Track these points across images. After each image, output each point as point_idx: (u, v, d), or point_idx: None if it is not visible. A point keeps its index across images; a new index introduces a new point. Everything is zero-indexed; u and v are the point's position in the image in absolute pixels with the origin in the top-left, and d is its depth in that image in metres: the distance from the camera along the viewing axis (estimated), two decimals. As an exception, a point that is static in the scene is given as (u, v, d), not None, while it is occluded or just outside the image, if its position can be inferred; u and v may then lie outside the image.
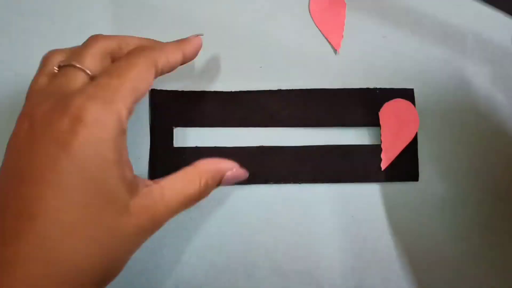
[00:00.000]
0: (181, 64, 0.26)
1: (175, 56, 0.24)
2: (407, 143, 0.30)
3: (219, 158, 0.26)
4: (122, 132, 0.20)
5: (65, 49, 0.24)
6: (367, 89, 0.31)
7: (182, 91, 0.30)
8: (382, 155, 0.30)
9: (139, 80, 0.21)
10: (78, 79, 0.21)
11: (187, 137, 0.30)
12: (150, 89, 0.26)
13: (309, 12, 0.33)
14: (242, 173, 0.26)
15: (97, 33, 0.32)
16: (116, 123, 0.20)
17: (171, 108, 0.30)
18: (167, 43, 0.26)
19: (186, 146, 0.30)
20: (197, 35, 0.27)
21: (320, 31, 0.32)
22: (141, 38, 0.26)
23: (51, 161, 0.18)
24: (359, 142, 0.31)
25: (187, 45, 0.26)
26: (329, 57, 0.32)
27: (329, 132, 0.31)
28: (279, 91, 0.31)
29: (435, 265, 0.30)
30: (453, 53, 0.32)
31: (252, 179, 0.28)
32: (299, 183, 0.30)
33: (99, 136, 0.19)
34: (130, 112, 0.21)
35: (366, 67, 0.32)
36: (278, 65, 0.32)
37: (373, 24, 0.33)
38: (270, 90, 0.31)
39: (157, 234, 0.29)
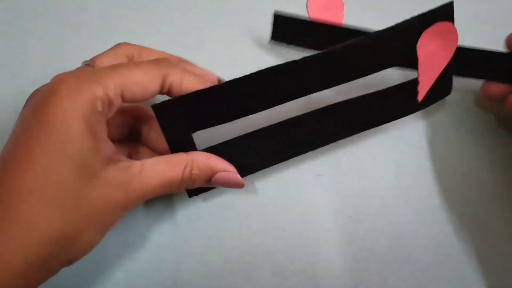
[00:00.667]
0: None
1: (191, 83, 0.24)
2: (445, 66, 0.28)
3: (217, 157, 0.25)
4: (94, 111, 0.21)
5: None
6: (402, 23, 0.27)
7: (189, 93, 0.25)
8: (419, 88, 0.28)
9: (133, 80, 0.22)
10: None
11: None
12: (151, 105, 0.25)
13: (307, 12, 0.32)
14: (235, 179, 0.26)
15: (93, 34, 0.32)
16: (87, 101, 0.21)
17: (182, 115, 0.26)
18: (194, 67, 0.26)
19: (210, 146, 0.26)
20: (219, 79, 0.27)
21: (319, 31, 0.32)
22: (166, 53, 0.26)
23: (24, 126, 0.21)
24: (392, 82, 0.29)
25: (207, 84, 0.25)
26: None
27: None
28: (304, 59, 0.25)
29: (434, 265, 0.30)
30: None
31: (291, 152, 0.28)
32: (337, 141, 0.28)
33: (68, 107, 0.20)
34: (110, 101, 0.22)
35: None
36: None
37: (371, 24, 0.32)
38: (293, 61, 0.25)
39: (156, 235, 0.29)
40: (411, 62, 0.28)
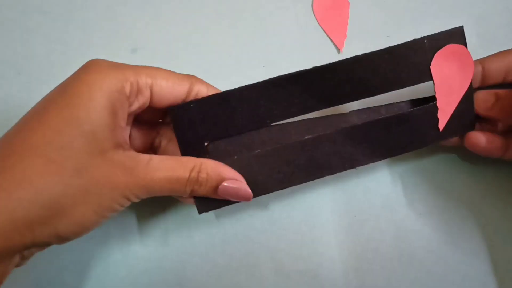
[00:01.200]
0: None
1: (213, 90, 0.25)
2: (464, 93, 0.27)
3: (227, 166, 0.25)
4: (121, 92, 0.21)
5: None
6: (413, 41, 0.26)
7: (203, 98, 0.25)
8: (439, 114, 0.27)
9: (163, 76, 0.23)
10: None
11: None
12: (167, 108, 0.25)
13: (313, 11, 0.32)
14: (244, 189, 0.25)
15: (98, 32, 0.32)
16: (116, 80, 0.21)
17: (196, 122, 0.26)
18: (208, 85, 0.26)
19: (224, 160, 0.26)
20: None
21: (324, 30, 0.32)
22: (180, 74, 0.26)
23: (48, 96, 0.22)
24: (411, 106, 0.28)
25: None
26: (332, 57, 0.32)
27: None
28: (315, 68, 0.26)
29: (438, 266, 0.30)
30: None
31: (306, 176, 0.27)
32: (356, 167, 0.27)
33: (96, 81, 0.21)
34: (139, 89, 0.22)
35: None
36: (281, 65, 0.32)
37: (377, 24, 0.32)
38: (303, 70, 0.26)
39: (160, 233, 0.29)
40: (426, 81, 0.27)
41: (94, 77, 0.21)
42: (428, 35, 0.26)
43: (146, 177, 0.22)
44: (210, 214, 0.30)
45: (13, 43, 0.31)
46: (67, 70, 0.31)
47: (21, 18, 0.32)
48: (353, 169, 0.28)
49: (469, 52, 0.27)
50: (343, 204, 0.30)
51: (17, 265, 0.22)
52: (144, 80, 0.22)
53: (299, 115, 0.27)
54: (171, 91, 0.23)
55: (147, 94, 0.23)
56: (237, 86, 0.26)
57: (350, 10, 0.32)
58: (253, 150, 0.26)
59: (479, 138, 0.28)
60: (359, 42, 0.32)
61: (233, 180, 0.25)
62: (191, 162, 0.24)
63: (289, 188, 0.30)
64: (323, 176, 0.27)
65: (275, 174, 0.26)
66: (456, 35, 0.27)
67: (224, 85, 0.31)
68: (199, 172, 0.24)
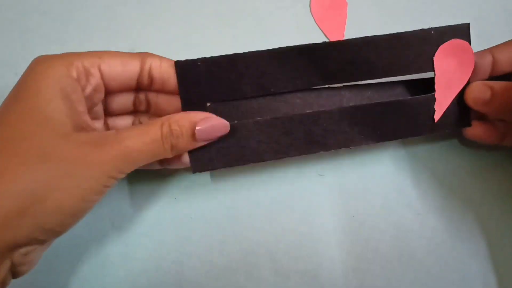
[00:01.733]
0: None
1: (171, 66, 0.25)
2: (461, 88, 0.28)
3: (194, 111, 0.25)
4: (68, 76, 0.22)
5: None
6: (421, 30, 0.27)
7: (211, 57, 0.26)
8: (436, 106, 0.28)
9: (111, 55, 0.23)
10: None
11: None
12: (174, 61, 0.25)
13: (310, 11, 0.32)
14: (218, 123, 0.25)
15: (97, 33, 0.32)
16: (61, 66, 0.22)
17: (202, 80, 0.26)
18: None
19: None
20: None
21: (322, 30, 0.32)
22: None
23: (9, 97, 0.22)
24: (409, 94, 0.29)
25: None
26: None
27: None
28: (325, 43, 0.27)
29: (437, 266, 0.29)
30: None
31: (303, 149, 0.27)
32: (351, 147, 0.28)
33: (41, 71, 0.22)
34: (87, 70, 0.23)
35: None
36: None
37: (375, 24, 0.32)
38: (313, 44, 0.26)
39: (158, 234, 0.29)
40: (427, 71, 0.28)
41: (40, 68, 0.22)
42: (435, 27, 0.27)
43: (120, 147, 0.22)
44: (208, 215, 0.30)
45: (12, 44, 0.31)
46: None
47: (20, 18, 0.32)
48: (353, 170, 0.29)
49: (471, 49, 0.27)
50: (342, 204, 0.30)
51: (15, 273, 0.22)
52: (90, 61, 0.23)
53: (302, 88, 0.27)
54: (121, 69, 0.24)
55: (97, 74, 0.23)
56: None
57: (348, 10, 0.33)
58: (253, 117, 0.27)
59: (476, 128, 0.28)
60: (358, 42, 0.32)
61: (205, 119, 0.24)
62: (158, 120, 0.23)
63: (288, 189, 0.30)
64: (318, 151, 0.27)
65: (272, 143, 0.27)
66: (462, 31, 0.28)
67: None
68: (170, 126, 0.23)
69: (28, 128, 0.21)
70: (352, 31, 0.32)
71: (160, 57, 0.25)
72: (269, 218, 0.30)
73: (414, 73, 0.28)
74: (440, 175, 0.31)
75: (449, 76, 0.28)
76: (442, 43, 0.28)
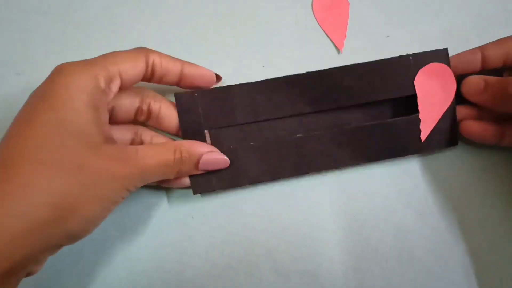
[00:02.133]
0: (177, 83, 0.28)
1: (169, 62, 0.26)
2: (446, 108, 0.29)
3: (200, 142, 0.28)
4: (97, 87, 0.22)
5: None
6: (399, 57, 0.29)
7: (208, 90, 0.29)
8: (421, 126, 0.29)
9: (123, 59, 0.24)
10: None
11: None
12: (174, 93, 0.28)
13: (312, 11, 0.32)
14: (220, 158, 0.28)
15: (97, 32, 0.32)
16: (91, 77, 0.22)
17: (199, 110, 0.28)
18: (197, 67, 0.28)
19: (220, 149, 0.28)
20: (213, 75, 0.29)
21: (323, 30, 0.32)
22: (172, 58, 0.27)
23: (28, 105, 0.22)
24: (395, 115, 0.30)
25: (192, 66, 0.28)
26: (332, 57, 0.32)
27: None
28: (308, 73, 0.29)
29: (437, 266, 0.30)
30: (457, 52, 0.32)
31: (294, 171, 0.29)
32: (341, 168, 0.30)
33: (72, 81, 0.21)
34: (111, 79, 0.23)
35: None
36: (280, 65, 0.31)
37: (377, 24, 0.32)
38: (298, 74, 0.29)
39: (159, 234, 0.29)
40: (409, 94, 0.29)
41: (70, 78, 0.22)
42: (413, 53, 0.29)
43: (139, 164, 0.23)
44: (209, 215, 0.30)
45: (12, 44, 0.31)
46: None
47: (20, 19, 0.31)
48: (352, 170, 0.30)
49: (451, 71, 0.29)
50: (343, 204, 0.30)
51: (28, 274, 0.22)
52: (113, 69, 0.23)
53: (290, 114, 0.29)
54: (134, 71, 0.25)
55: (118, 83, 0.24)
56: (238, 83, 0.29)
57: (350, 10, 0.32)
58: (248, 142, 0.29)
59: (473, 126, 0.29)
60: (359, 42, 0.32)
61: (210, 152, 0.27)
62: (171, 145, 0.26)
63: (288, 189, 0.30)
64: (310, 172, 0.29)
65: (266, 166, 0.29)
66: (441, 56, 0.29)
67: (224, 84, 0.31)
68: (181, 152, 0.26)
69: (62, 138, 0.21)
70: (353, 31, 0.32)
71: (159, 53, 0.26)
72: (270, 218, 0.30)
73: (398, 96, 0.29)
74: (440, 175, 0.31)
75: (432, 97, 0.29)
76: (422, 67, 0.29)
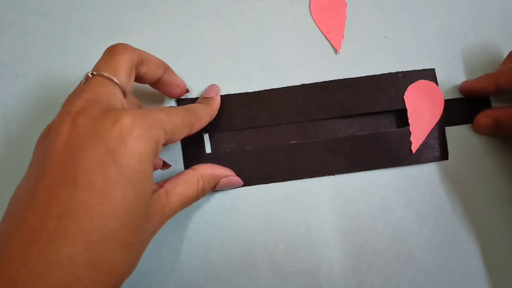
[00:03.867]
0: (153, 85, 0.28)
1: (206, 120, 0.28)
2: (435, 123, 0.30)
3: (217, 165, 0.29)
4: (156, 152, 0.22)
5: None
6: (389, 74, 0.31)
7: (208, 98, 0.30)
8: (412, 138, 0.30)
9: (177, 128, 0.23)
10: (117, 93, 0.22)
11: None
12: (176, 99, 0.30)
13: (310, 12, 0.32)
14: (236, 181, 0.30)
15: (96, 34, 0.32)
16: (155, 143, 0.21)
17: None
18: (175, 76, 0.28)
19: (218, 152, 0.30)
20: (215, 89, 0.30)
21: (321, 31, 0.32)
22: (160, 59, 0.27)
23: (99, 166, 0.19)
24: (388, 128, 0.31)
25: (213, 106, 0.29)
26: (329, 58, 0.32)
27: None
28: (303, 85, 0.31)
29: (435, 266, 0.30)
30: (454, 53, 0.32)
31: (287, 176, 0.30)
32: (333, 175, 0.30)
33: (143, 150, 0.20)
34: (163, 140, 0.22)
35: (366, 67, 0.32)
36: (278, 66, 0.32)
37: (374, 25, 0.32)
38: (294, 86, 0.31)
39: (158, 235, 0.29)
40: (399, 107, 0.31)
41: (140, 146, 0.20)
42: (402, 71, 0.31)
43: (170, 213, 0.24)
44: (207, 216, 0.30)
45: (11, 45, 0.31)
46: (65, 71, 0.31)
47: (19, 20, 0.32)
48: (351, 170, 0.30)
49: (439, 89, 0.31)
50: (341, 205, 0.30)
51: None
52: (168, 135, 0.23)
53: (284, 123, 0.31)
54: (180, 137, 0.24)
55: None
56: (235, 88, 0.31)
57: (348, 10, 0.32)
58: (244, 147, 0.30)
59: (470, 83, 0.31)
60: (357, 43, 0.32)
61: (228, 177, 0.29)
62: (195, 179, 0.26)
63: (287, 189, 0.30)
64: (303, 178, 0.30)
65: (260, 170, 0.30)
66: (428, 74, 0.31)
67: (222, 86, 0.31)
68: (203, 184, 0.27)
69: (136, 214, 0.20)
70: (351, 31, 0.32)
71: (200, 121, 0.27)
72: (268, 219, 0.30)
73: (389, 109, 0.31)
74: (438, 175, 0.31)
75: (421, 112, 0.31)
76: (411, 83, 0.31)
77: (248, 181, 0.30)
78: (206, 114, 0.28)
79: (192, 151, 0.30)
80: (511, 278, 0.30)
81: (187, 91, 0.30)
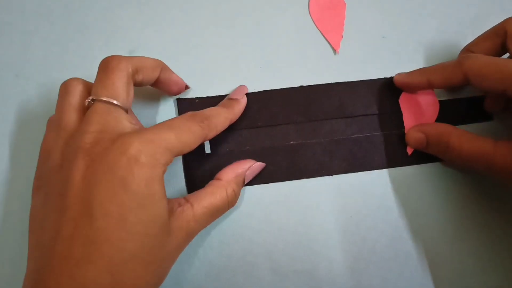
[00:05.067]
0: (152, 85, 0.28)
1: (223, 127, 0.27)
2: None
3: (236, 163, 0.29)
4: (163, 172, 0.22)
5: (83, 80, 0.25)
6: (385, 78, 0.31)
7: (208, 97, 0.31)
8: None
9: (188, 147, 0.24)
10: (122, 115, 0.23)
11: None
12: (176, 99, 0.31)
13: (309, 12, 0.33)
14: (259, 166, 0.30)
15: (96, 34, 0.32)
16: (163, 166, 0.22)
17: None
18: (172, 74, 0.28)
19: (218, 152, 0.30)
20: (242, 91, 0.30)
21: (320, 31, 0.32)
22: (155, 59, 0.27)
23: (113, 195, 0.21)
24: (385, 130, 0.31)
25: (235, 109, 0.29)
26: (328, 58, 0.32)
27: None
28: (302, 87, 0.31)
29: (434, 265, 0.30)
30: (453, 52, 0.32)
31: (286, 176, 0.30)
32: (332, 175, 0.31)
33: (149, 175, 0.21)
34: (172, 159, 0.23)
35: (365, 67, 0.32)
36: (277, 66, 0.32)
37: (373, 24, 0.33)
38: (294, 87, 0.31)
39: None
40: (394, 110, 0.31)
41: (148, 172, 0.21)
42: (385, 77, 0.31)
43: (198, 227, 0.25)
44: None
45: (11, 46, 0.31)
46: (65, 72, 0.31)
47: (19, 21, 0.32)
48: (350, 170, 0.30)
49: (434, 94, 0.31)
50: (340, 204, 0.30)
51: None
52: (174, 155, 0.23)
53: (286, 123, 0.31)
54: (190, 149, 0.25)
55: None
56: (231, 88, 0.31)
57: (347, 10, 0.33)
58: (243, 147, 0.31)
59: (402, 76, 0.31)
60: (356, 43, 0.32)
61: (250, 168, 0.29)
62: (221, 187, 0.27)
63: (286, 189, 0.30)
64: (302, 178, 0.31)
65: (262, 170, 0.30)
66: None
67: (221, 86, 0.31)
68: (233, 189, 0.27)
69: (153, 235, 0.22)
70: (350, 31, 0.32)
71: (216, 127, 0.27)
72: (268, 218, 0.30)
73: (385, 112, 0.31)
74: (437, 174, 0.31)
75: (416, 115, 0.31)
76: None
77: (248, 181, 0.30)
78: (224, 120, 0.27)
79: (192, 151, 0.30)
80: (510, 277, 0.30)
81: (187, 87, 0.30)
